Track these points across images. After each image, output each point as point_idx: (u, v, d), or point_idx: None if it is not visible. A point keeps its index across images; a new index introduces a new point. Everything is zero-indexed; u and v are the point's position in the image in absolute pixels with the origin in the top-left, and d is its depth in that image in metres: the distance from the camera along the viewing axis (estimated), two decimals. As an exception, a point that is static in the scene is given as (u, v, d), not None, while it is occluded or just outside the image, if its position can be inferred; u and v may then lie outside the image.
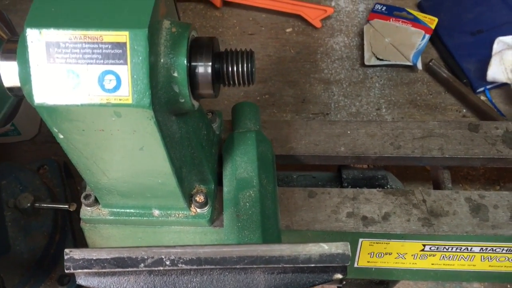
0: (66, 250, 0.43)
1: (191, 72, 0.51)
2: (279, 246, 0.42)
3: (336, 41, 1.21)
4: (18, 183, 0.92)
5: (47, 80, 0.47)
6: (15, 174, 0.92)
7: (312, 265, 0.42)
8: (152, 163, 0.55)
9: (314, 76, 1.17)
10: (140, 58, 0.46)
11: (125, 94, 0.47)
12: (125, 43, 0.46)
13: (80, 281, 0.44)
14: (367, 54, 1.15)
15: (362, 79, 1.15)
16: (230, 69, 0.52)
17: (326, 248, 0.42)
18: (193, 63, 0.51)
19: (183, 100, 0.51)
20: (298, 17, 1.24)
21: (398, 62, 1.13)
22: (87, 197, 0.64)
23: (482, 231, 0.62)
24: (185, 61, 0.49)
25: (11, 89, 0.52)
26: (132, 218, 0.64)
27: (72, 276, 0.90)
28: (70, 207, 0.91)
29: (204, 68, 0.51)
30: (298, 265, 0.42)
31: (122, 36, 0.45)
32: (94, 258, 0.42)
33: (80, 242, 0.95)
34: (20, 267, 0.86)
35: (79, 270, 0.42)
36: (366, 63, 1.14)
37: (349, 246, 0.42)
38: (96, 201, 0.64)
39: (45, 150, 1.09)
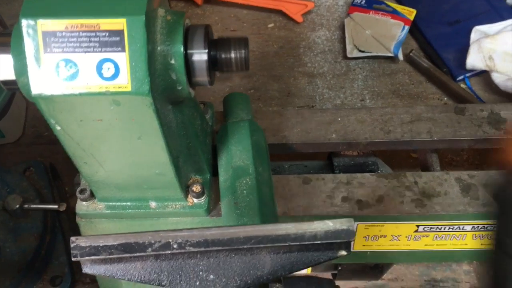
0: (72, 238, 0.43)
1: (187, 60, 0.51)
2: (285, 225, 0.43)
3: (318, 35, 1.23)
4: (5, 185, 0.91)
5: (44, 70, 0.46)
6: (1, 177, 0.91)
7: (318, 242, 0.43)
8: (150, 153, 0.55)
9: (298, 69, 1.18)
10: (138, 45, 0.46)
11: (124, 81, 0.47)
12: (122, 31, 0.46)
13: (86, 269, 0.44)
14: (349, 47, 1.17)
15: (345, 71, 1.17)
16: (225, 56, 0.53)
17: (331, 225, 0.43)
18: (189, 51, 0.51)
19: (180, 88, 0.51)
20: (280, 12, 1.25)
21: (379, 54, 1.15)
22: (82, 191, 0.64)
23: (474, 209, 0.64)
24: (182, 48, 0.49)
25: (5, 82, 0.51)
26: (128, 211, 0.64)
27: (64, 277, 0.89)
28: (59, 207, 0.90)
29: (200, 55, 0.51)
30: (304, 243, 0.43)
31: (119, 23, 0.46)
32: (101, 244, 0.42)
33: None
34: (11, 269, 0.85)
35: (87, 258, 0.42)
36: (349, 55, 1.16)
37: (353, 221, 0.43)
38: (91, 195, 0.64)
39: (30, 152, 1.08)
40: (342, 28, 1.22)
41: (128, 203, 0.64)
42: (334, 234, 0.43)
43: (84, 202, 0.64)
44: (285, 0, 1.24)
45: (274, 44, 1.22)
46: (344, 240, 0.43)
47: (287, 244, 0.42)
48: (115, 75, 0.46)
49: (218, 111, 0.74)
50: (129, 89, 0.47)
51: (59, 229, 0.94)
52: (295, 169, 0.78)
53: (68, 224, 0.96)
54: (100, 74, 0.46)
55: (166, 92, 0.51)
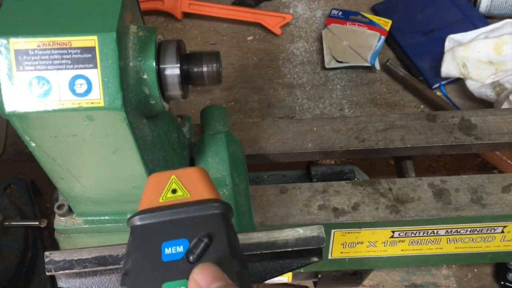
0: (46, 253, 0.43)
1: (160, 75, 0.52)
2: (257, 233, 0.44)
3: (296, 47, 1.25)
4: (-15, 203, 0.90)
5: (17, 88, 0.47)
6: (-18, 194, 0.91)
7: (289, 249, 0.44)
8: (125, 167, 0.56)
9: (278, 81, 1.19)
10: (110, 61, 0.47)
11: (97, 97, 0.48)
12: (94, 47, 0.47)
13: (61, 283, 0.45)
14: (327, 58, 1.19)
15: (324, 81, 1.19)
16: (197, 69, 0.54)
17: (301, 232, 0.44)
18: (161, 65, 0.52)
19: (153, 102, 0.52)
20: (258, 25, 1.27)
21: (357, 64, 1.17)
22: (60, 207, 0.64)
23: (446, 213, 0.66)
24: (154, 63, 0.51)
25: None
26: (107, 225, 0.65)
27: (46, 293, 0.89)
28: (40, 223, 0.90)
29: (172, 70, 0.52)
30: (275, 251, 0.44)
31: (90, 40, 0.47)
32: (75, 258, 0.43)
33: (53, 259, 0.94)
34: (-8, 288, 0.84)
35: (61, 272, 0.42)
36: (327, 66, 1.18)
37: (323, 228, 0.44)
38: (70, 211, 0.64)
39: (10, 170, 1.08)
40: (320, 40, 1.24)
41: (107, 217, 0.64)
42: (305, 241, 0.44)
43: (62, 218, 0.65)
44: (263, 13, 1.26)
45: (254, 56, 1.23)
46: (315, 246, 0.44)
47: (258, 252, 0.43)
48: (88, 91, 0.47)
49: (197, 123, 0.75)
50: (102, 104, 0.48)
51: (41, 246, 0.93)
52: (273, 179, 0.79)
53: (49, 240, 0.96)
54: (73, 91, 0.47)
55: (139, 107, 0.52)
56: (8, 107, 0.48)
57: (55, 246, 0.95)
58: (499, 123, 0.73)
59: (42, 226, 0.90)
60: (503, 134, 0.72)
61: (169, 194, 0.37)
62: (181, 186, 0.37)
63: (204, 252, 0.32)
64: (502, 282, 0.89)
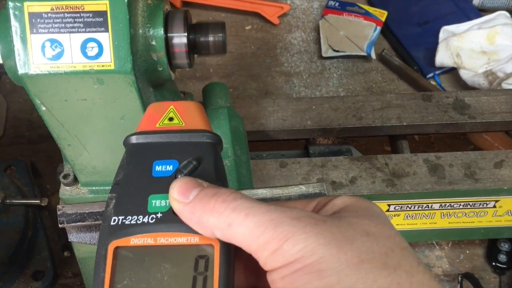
0: (59, 206, 0.45)
1: (167, 43, 0.54)
2: (261, 190, 0.46)
3: (294, 37, 1.27)
4: (-14, 183, 0.92)
5: (30, 50, 0.49)
6: (-18, 174, 0.92)
7: (292, 205, 0.45)
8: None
9: (275, 69, 1.22)
10: (121, 25, 0.49)
11: (107, 60, 0.49)
12: (105, 12, 0.48)
13: (71, 237, 0.46)
14: (324, 47, 1.21)
15: (320, 70, 1.21)
16: (203, 39, 0.56)
17: (304, 188, 0.45)
18: (169, 34, 0.54)
19: (161, 69, 0.54)
20: (257, 15, 1.29)
21: (353, 53, 1.20)
22: (66, 176, 0.65)
23: (440, 187, 0.68)
24: (162, 31, 0.52)
25: (-8, 65, 0.53)
26: (111, 195, 0.66)
27: (46, 271, 0.90)
28: (41, 202, 0.91)
29: (179, 39, 0.54)
30: (279, 206, 0.45)
31: (102, 4, 0.48)
32: (87, 211, 0.44)
33: (52, 239, 0.95)
34: (-7, 263, 0.85)
35: (73, 224, 0.44)
36: (324, 55, 1.20)
37: (325, 186, 0.46)
38: (75, 180, 0.66)
39: (10, 152, 1.09)
40: (317, 30, 1.26)
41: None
42: (308, 197, 0.45)
43: (67, 187, 0.66)
44: (262, 3, 1.28)
45: (252, 45, 1.25)
46: (317, 203, 0.46)
47: (263, 207, 0.45)
48: (99, 54, 0.49)
49: (198, 101, 0.76)
50: (112, 67, 0.49)
51: (41, 225, 0.95)
52: (272, 157, 0.81)
53: (49, 220, 0.97)
54: (85, 53, 0.49)
55: (147, 73, 0.54)
56: (21, 70, 0.49)
57: (55, 227, 0.96)
58: (491, 103, 0.75)
59: (43, 205, 0.92)
60: (496, 114, 0.74)
61: (166, 121, 0.39)
62: (178, 115, 0.39)
63: (192, 173, 0.34)
64: (494, 263, 0.91)
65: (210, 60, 1.23)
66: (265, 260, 0.30)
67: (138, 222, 0.33)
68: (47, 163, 1.05)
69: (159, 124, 0.39)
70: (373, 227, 0.31)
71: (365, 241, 0.30)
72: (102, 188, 0.66)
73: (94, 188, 0.66)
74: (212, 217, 0.31)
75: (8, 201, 0.90)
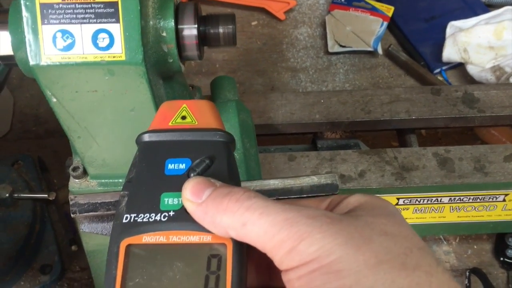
0: (71, 196, 0.45)
1: (178, 35, 0.54)
2: (273, 180, 0.46)
3: (300, 32, 1.27)
4: (-6, 177, 0.92)
5: (41, 41, 0.49)
6: (-10, 169, 0.92)
7: (304, 195, 0.45)
8: (142, 126, 0.56)
9: (281, 65, 1.21)
10: (132, 16, 0.48)
11: (119, 51, 0.49)
12: (117, 2, 0.48)
13: (83, 227, 0.46)
14: (330, 42, 1.21)
15: (327, 65, 1.21)
16: (214, 31, 0.56)
17: (316, 179, 0.45)
18: (179, 26, 0.54)
19: (171, 60, 0.54)
20: (263, 10, 1.29)
21: (359, 49, 1.19)
22: (75, 169, 0.65)
23: (450, 181, 0.68)
24: (173, 23, 0.52)
25: (3, 57, 0.53)
26: (121, 188, 0.66)
27: (54, 265, 0.90)
28: (49, 196, 0.92)
29: (189, 31, 0.54)
30: (291, 197, 0.45)
31: (114, -5, 0.48)
32: (99, 201, 0.44)
33: (60, 233, 0.95)
34: (1, 258, 0.86)
35: (85, 214, 0.44)
36: (330, 50, 1.20)
37: (337, 176, 0.46)
38: (84, 173, 0.66)
39: (17, 147, 1.09)
40: (323, 25, 1.26)
41: (120, 180, 0.66)
42: (319, 188, 0.45)
43: (77, 180, 0.66)
44: (268, -1, 1.28)
45: (258, 41, 1.25)
46: (329, 193, 0.45)
47: (275, 198, 0.45)
48: (110, 45, 0.49)
49: (207, 95, 0.76)
50: (123, 58, 0.49)
51: (48, 220, 0.95)
52: (280, 151, 0.81)
53: (57, 215, 0.97)
54: (96, 44, 0.49)
55: (158, 65, 0.54)
56: (32, 61, 0.49)
57: (62, 221, 0.97)
58: (501, 97, 0.75)
59: (50, 199, 0.92)
60: (505, 107, 0.74)
61: (179, 120, 0.39)
62: (190, 114, 0.39)
63: (205, 172, 0.34)
64: (502, 258, 0.91)
65: (216, 56, 1.23)
66: (280, 259, 0.30)
67: (151, 220, 0.33)
68: (54, 158, 1.05)
69: (172, 123, 0.39)
70: (390, 226, 0.30)
71: (382, 241, 0.29)
72: (111, 181, 0.66)
73: (103, 181, 0.66)
74: (226, 216, 0.31)
75: (16, 195, 0.90)
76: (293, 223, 0.29)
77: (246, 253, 0.33)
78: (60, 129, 0.59)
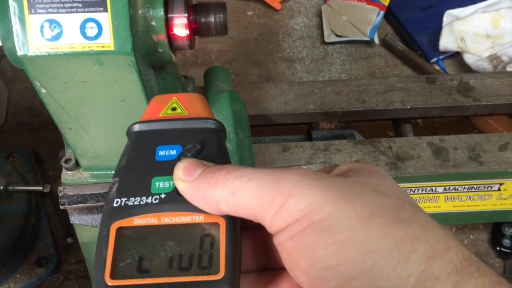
0: (60, 188, 0.45)
1: (167, 24, 0.53)
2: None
3: (296, 22, 1.26)
4: (-12, 170, 0.91)
5: (29, 31, 0.48)
6: (-16, 162, 0.92)
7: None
8: (133, 117, 0.56)
9: (277, 55, 1.21)
10: (120, 5, 0.48)
11: (107, 41, 0.49)
12: (104, -9, 0.48)
13: (73, 219, 0.46)
14: (326, 32, 1.20)
15: (323, 56, 1.20)
16: (204, 20, 0.55)
17: (305, 168, 0.45)
18: (169, 15, 0.53)
19: (161, 50, 0.53)
20: (258, 0, 1.28)
21: (356, 38, 1.18)
22: (67, 161, 0.65)
23: (445, 170, 0.67)
24: (162, 12, 0.52)
25: (-9, 48, 0.53)
26: (113, 179, 0.66)
27: (49, 258, 0.90)
28: (44, 188, 0.91)
29: (180, 20, 0.53)
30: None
31: (101, -16, 0.48)
32: (88, 193, 0.44)
33: (55, 226, 0.95)
34: (-3, 250, 0.85)
35: (74, 205, 0.44)
36: (326, 40, 1.19)
37: (327, 165, 0.45)
38: (76, 165, 0.65)
39: (12, 140, 1.08)
40: (319, 15, 1.25)
41: (113, 172, 0.65)
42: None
43: (69, 172, 0.65)
44: (263, -12, 1.27)
45: (254, 31, 1.24)
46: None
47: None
48: (98, 34, 0.48)
49: (201, 86, 0.76)
50: (112, 48, 0.49)
51: (44, 212, 0.95)
52: (275, 142, 0.80)
53: (52, 207, 0.97)
54: (84, 34, 0.48)
55: (148, 55, 0.53)
56: (20, 51, 0.49)
57: (57, 213, 0.96)
58: (496, 86, 0.75)
59: (45, 191, 0.91)
60: (500, 96, 0.73)
61: (169, 111, 0.39)
62: (181, 106, 0.39)
63: (196, 156, 0.34)
64: (498, 248, 0.91)
65: (212, 46, 1.22)
66: (270, 221, 0.29)
67: (142, 203, 0.33)
68: (49, 150, 1.05)
69: (162, 114, 0.39)
70: (382, 186, 0.30)
71: (375, 196, 0.28)
72: (104, 172, 0.65)
73: (96, 172, 0.65)
74: (216, 189, 0.30)
75: (10, 187, 0.89)
76: (281, 181, 0.29)
77: (239, 232, 0.33)
78: (55, 122, 0.59)
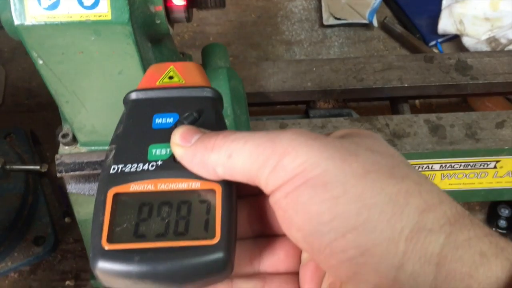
0: (57, 156, 0.45)
1: (165, -4, 0.53)
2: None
3: (294, 5, 1.25)
4: (-14, 150, 0.91)
5: (26, 0, 0.48)
6: (-19, 142, 0.92)
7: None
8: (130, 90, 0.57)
9: (276, 38, 1.20)
10: (118, -26, 0.48)
11: (104, 10, 0.48)
12: (101, -41, 0.47)
13: (70, 188, 0.46)
14: (325, 15, 1.19)
15: (321, 39, 1.20)
16: (202, -8, 0.55)
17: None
18: (166, -14, 0.53)
19: (159, 21, 0.53)
20: (257, -17, 1.27)
21: (355, 21, 1.18)
22: (64, 136, 0.65)
23: (441, 147, 0.67)
24: (159, -17, 0.51)
25: (-13, 19, 0.52)
26: (110, 155, 0.66)
27: (47, 237, 0.90)
28: (41, 168, 0.91)
29: (177, -9, 0.53)
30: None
31: (98, -48, 0.47)
32: (85, 161, 0.44)
33: (53, 205, 0.95)
34: (-6, 228, 0.86)
35: (71, 173, 0.44)
36: (325, 23, 1.19)
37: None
38: (74, 140, 0.65)
39: (9, 121, 1.08)
40: (318, -2, 1.25)
41: (110, 147, 0.65)
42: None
43: (66, 147, 0.65)
44: (262, -29, 1.26)
45: (252, 14, 1.24)
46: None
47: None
48: (95, 4, 0.48)
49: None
50: (109, 17, 0.48)
51: (41, 192, 0.95)
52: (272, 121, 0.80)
53: (50, 188, 0.97)
54: (81, 3, 0.48)
55: (145, 26, 0.53)
56: (17, 20, 0.48)
57: (55, 194, 0.96)
58: (494, 64, 0.75)
59: (42, 171, 0.91)
60: (498, 75, 0.73)
61: (166, 80, 0.39)
62: (178, 74, 0.39)
63: (192, 124, 0.34)
64: (494, 229, 0.92)
65: (210, 29, 1.22)
66: (266, 180, 0.29)
67: (138, 169, 0.33)
68: (47, 131, 1.05)
69: (159, 82, 0.39)
70: (376, 146, 0.30)
71: (369, 155, 0.29)
72: (101, 148, 0.65)
73: (93, 148, 0.65)
74: (213, 153, 0.30)
75: (8, 166, 0.90)
76: (277, 141, 0.29)
77: (236, 199, 0.33)
78: (53, 103, 0.58)
